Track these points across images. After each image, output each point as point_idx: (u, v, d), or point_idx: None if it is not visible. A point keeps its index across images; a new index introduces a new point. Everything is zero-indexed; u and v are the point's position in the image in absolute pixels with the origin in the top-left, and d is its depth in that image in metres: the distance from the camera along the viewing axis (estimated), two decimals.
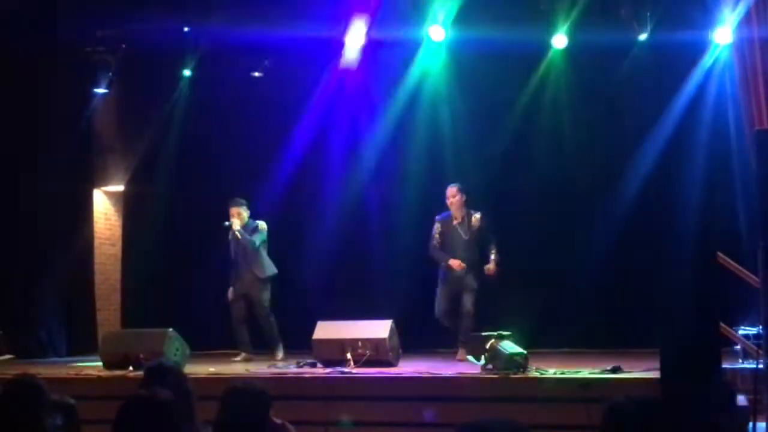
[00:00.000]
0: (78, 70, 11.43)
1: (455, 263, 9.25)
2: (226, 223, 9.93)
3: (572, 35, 10.25)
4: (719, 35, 9.30)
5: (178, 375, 4.49)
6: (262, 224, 10.01)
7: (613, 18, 9.86)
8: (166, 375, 4.35)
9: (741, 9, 8.75)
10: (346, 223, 11.20)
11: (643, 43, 9.58)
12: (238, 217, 9.90)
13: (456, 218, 9.37)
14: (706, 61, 9.43)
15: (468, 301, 9.20)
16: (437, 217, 9.51)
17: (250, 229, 9.96)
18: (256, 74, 11.27)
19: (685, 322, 2.80)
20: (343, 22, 10.80)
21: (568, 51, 10.45)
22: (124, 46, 11.33)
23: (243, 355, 9.75)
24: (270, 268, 9.96)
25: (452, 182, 9.58)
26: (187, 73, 11.59)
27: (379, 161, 11.12)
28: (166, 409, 3.43)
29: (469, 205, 9.46)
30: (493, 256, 9.27)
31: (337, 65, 11.18)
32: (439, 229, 9.44)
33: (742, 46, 9.01)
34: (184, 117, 11.83)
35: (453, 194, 9.37)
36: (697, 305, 2.78)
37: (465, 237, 9.32)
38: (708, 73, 9.41)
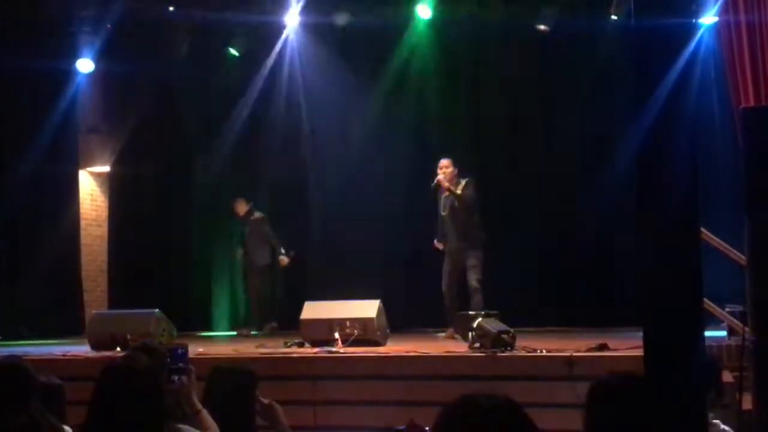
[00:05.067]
0: (63, 49, 11.36)
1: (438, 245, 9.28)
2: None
3: (557, 17, 10.26)
4: (703, 17, 9.29)
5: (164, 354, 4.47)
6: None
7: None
8: (151, 355, 4.33)
9: None
10: (333, 203, 11.20)
11: (627, 25, 9.57)
12: (237, 208, 10.84)
13: (444, 191, 9.17)
14: (691, 43, 9.40)
15: (472, 278, 9.05)
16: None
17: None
18: (233, 52, 11.24)
19: (667, 299, 2.82)
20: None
21: (553, 33, 10.45)
22: (109, 25, 11.27)
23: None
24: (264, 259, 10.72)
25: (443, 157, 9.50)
26: (175, 52, 11.54)
27: (365, 141, 11.11)
28: (143, 375, 3.44)
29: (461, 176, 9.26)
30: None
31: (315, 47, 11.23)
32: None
33: (729, 27, 9.01)
34: (172, 96, 11.78)
35: (447, 165, 9.16)
36: (679, 282, 2.80)
37: (443, 213, 9.18)
38: (692, 56, 9.38)
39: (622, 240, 10.13)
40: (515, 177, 10.78)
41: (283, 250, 10.70)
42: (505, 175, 10.75)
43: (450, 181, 9.15)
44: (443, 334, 9.15)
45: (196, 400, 3.96)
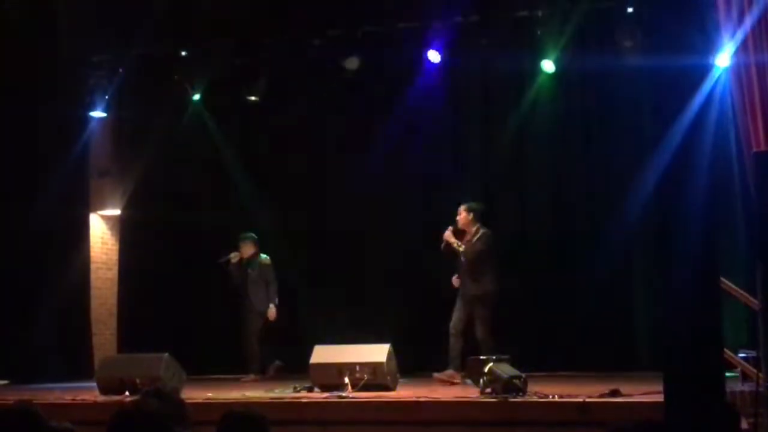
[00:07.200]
0: (75, 93, 11.46)
1: (455, 281, 9.14)
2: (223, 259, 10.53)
3: (573, 58, 10.27)
4: (719, 59, 9.28)
5: (175, 401, 4.46)
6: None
7: (609, 41, 9.91)
8: (163, 400, 4.31)
9: (739, 34, 8.73)
10: (342, 245, 11.19)
11: (641, 65, 9.59)
12: (240, 251, 10.54)
13: (463, 237, 9.13)
14: (707, 84, 9.38)
15: (479, 331, 8.96)
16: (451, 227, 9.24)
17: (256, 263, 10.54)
18: (252, 98, 11.27)
19: (687, 347, 2.80)
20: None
21: (566, 74, 10.46)
22: (121, 70, 11.38)
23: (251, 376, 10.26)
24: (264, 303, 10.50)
25: (454, 202, 9.48)
26: (186, 97, 11.61)
27: (376, 181, 11.08)
28: (154, 419, 3.43)
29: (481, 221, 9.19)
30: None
31: (329, 94, 11.25)
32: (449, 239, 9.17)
33: (739, 70, 9.01)
34: (182, 141, 11.84)
35: (459, 212, 9.18)
36: (699, 329, 2.79)
37: (461, 259, 9.10)
38: (709, 96, 9.35)
39: (636, 284, 10.10)
40: (526, 219, 10.76)
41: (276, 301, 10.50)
42: (515, 217, 10.74)
43: (465, 226, 9.14)
44: (439, 374, 8.96)
45: None
